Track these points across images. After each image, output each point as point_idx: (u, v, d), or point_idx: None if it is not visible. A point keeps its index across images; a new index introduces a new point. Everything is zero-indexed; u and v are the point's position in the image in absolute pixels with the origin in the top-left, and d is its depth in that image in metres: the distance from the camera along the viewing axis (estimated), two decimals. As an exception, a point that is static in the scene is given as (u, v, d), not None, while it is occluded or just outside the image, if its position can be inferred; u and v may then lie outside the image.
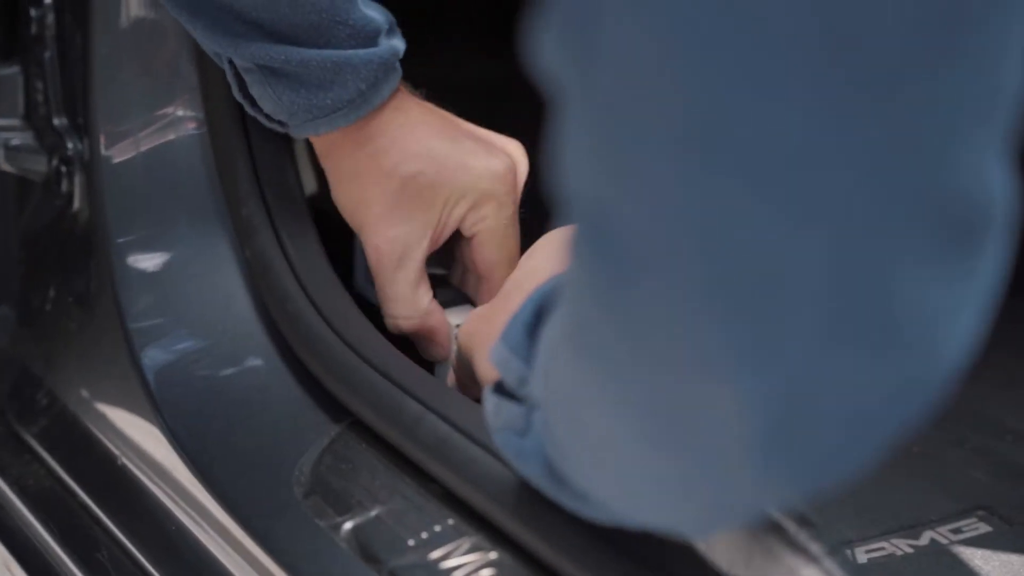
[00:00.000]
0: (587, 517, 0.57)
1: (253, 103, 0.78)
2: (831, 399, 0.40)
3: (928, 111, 0.36)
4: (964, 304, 0.40)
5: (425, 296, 0.80)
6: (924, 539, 0.84)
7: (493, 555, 0.64)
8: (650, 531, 0.59)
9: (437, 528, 0.67)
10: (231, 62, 0.77)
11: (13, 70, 0.94)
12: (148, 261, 0.84)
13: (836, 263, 0.38)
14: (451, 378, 0.80)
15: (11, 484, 0.88)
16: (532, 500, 0.64)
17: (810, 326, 0.39)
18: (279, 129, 0.79)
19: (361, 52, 0.76)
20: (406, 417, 0.70)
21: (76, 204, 0.89)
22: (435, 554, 0.65)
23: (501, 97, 1.34)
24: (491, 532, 0.65)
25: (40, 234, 0.95)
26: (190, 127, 0.86)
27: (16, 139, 0.93)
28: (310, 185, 0.94)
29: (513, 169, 0.80)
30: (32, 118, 0.93)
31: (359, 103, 0.77)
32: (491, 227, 0.80)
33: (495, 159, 0.79)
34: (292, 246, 0.82)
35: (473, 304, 0.82)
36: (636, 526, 0.54)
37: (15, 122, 0.94)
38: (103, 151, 0.86)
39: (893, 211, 0.37)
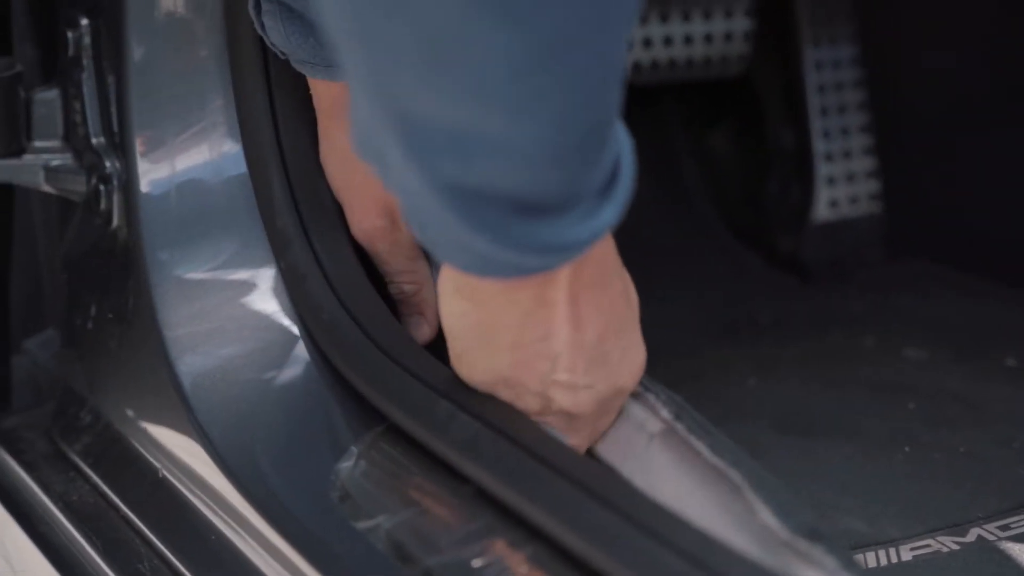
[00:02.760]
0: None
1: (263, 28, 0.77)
2: None
3: None
4: None
5: (424, 267, 0.80)
6: (971, 536, 0.83)
7: (528, 551, 0.64)
8: (679, 517, 0.59)
9: (471, 527, 0.67)
10: None
11: (52, 93, 0.95)
12: (185, 275, 0.85)
13: None
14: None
15: (55, 501, 0.89)
16: (565, 495, 0.64)
17: None
18: (281, 56, 0.79)
19: None
20: (437, 418, 0.70)
21: (115, 222, 0.90)
22: (469, 552, 0.65)
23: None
24: (525, 529, 0.65)
25: (82, 254, 0.96)
26: (224, 140, 0.87)
27: (56, 160, 0.94)
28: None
29: None
30: (71, 139, 0.94)
31: None
32: None
33: None
34: (326, 255, 0.83)
35: None
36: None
37: (55, 143, 0.95)
38: (139, 168, 0.87)
39: None
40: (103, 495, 0.88)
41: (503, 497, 0.66)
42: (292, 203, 0.84)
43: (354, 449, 0.75)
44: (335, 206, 0.87)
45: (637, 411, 0.67)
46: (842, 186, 1.44)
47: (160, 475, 0.84)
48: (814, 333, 1.24)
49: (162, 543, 0.80)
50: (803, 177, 1.44)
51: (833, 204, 1.44)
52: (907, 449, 0.94)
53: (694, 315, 1.30)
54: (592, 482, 0.63)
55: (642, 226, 1.45)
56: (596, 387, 0.66)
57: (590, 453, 0.71)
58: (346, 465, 0.74)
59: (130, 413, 0.89)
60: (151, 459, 0.85)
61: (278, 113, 0.86)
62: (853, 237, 1.43)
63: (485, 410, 0.69)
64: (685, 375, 1.12)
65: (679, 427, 0.64)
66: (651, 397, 0.68)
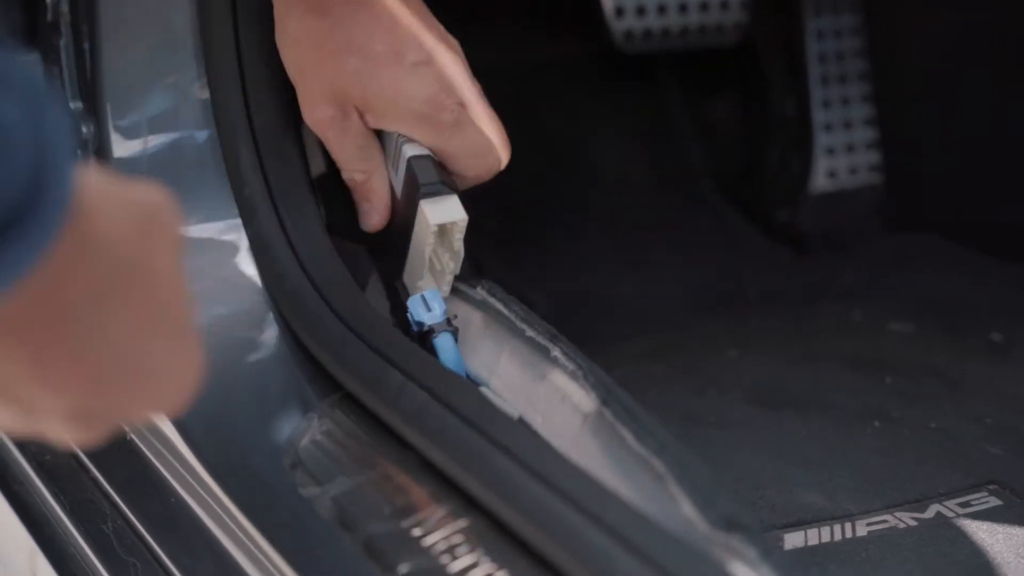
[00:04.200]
0: None
1: None
2: None
3: None
4: None
5: (376, 155, 0.81)
6: (929, 512, 0.83)
7: (464, 522, 0.65)
8: (612, 495, 0.59)
9: (413, 496, 0.67)
10: None
11: (32, 57, 0.96)
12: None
13: None
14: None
15: (29, 460, 0.90)
16: (504, 469, 0.64)
17: None
18: None
19: None
20: (389, 387, 0.71)
21: (90, 187, 0.90)
22: (409, 521, 0.66)
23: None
24: (464, 500, 0.66)
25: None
26: (194, 108, 0.87)
27: (35, 125, 0.95)
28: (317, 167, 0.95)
29: (445, 93, 0.79)
30: (51, 104, 0.95)
31: None
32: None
33: (431, 81, 0.78)
34: (291, 223, 0.83)
35: (457, 192, 0.80)
36: None
37: (35, 108, 0.96)
38: (111, 134, 0.88)
39: None
40: (75, 455, 0.89)
41: (444, 468, 0.67)
42: (260, 171, 0.85)
43: (311, 415, 0.76)
44: (305, 172, 0.87)
45: (573, 391, 0.68)
46: (841, 156, 1.43)
47: (128, 438, 0.85)
48: (803, 307, 1.24)
49: (125, 504, 0.82)
50: (802, 147, 1.43)
51: (832, 175, 1.43)
52: (877, 424, 0.94)
53: (685, 287, 1.30)
54: (530, 458, 0.64)
55: (639, 197, 1.45)
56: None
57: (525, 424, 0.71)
58: (300, 432, 0.75)
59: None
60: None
61: (247, 81, 0.86)
62: (851, 209, 1.42)
63: (434, 382, 0.70)
64: (667, 347, 1.12)
65: (607, 412, 0.65)
66: (583, 378, 0.68)
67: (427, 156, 0.80)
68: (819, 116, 1.42)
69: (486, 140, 0.80)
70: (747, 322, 1.21)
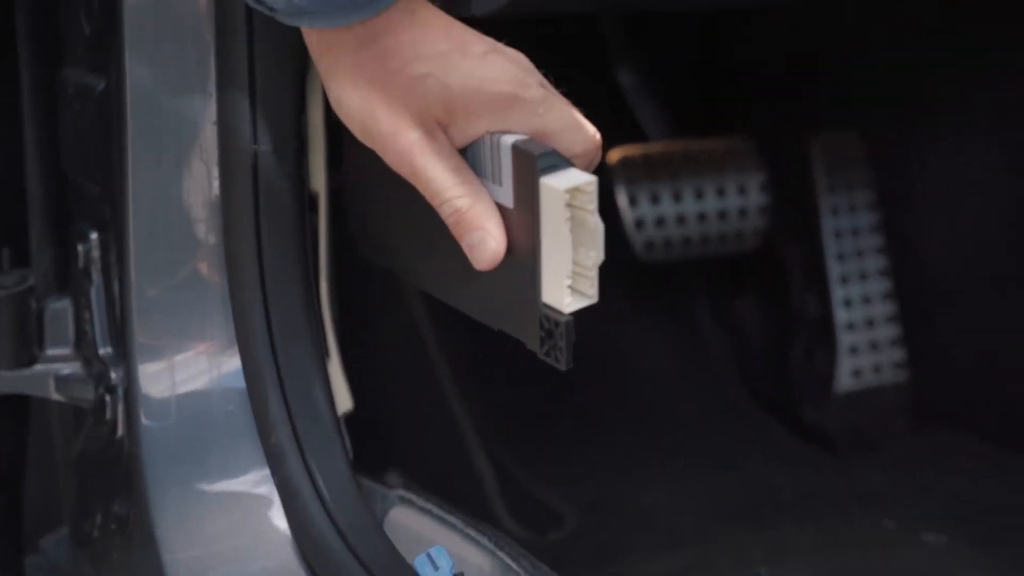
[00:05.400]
0: None
1: None
2: None
3: None
4: None
5: (474, 177, 0.73)
6: None
7: None
8: None
9: None
10: None
11: (65, 302, 0.98)
12: (183, 491, 0.86)
13: None
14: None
15: None
16: None
17: None
18: (266, 12, 0.73)
19: None
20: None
21: (119, 432, 0.92)
22: None
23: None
24: None
25: (90, 460, 0.98)
26: (222, 353, 0.89)
27: (66, 368, 0.97)
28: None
29: (525, 73, 0.73)
30: (82, 348, 0.97)
31: (363, 4, 0.71)
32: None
33: (508, 63, 0.73)
34: (318, 466, 0.84)
35: (572, 164, 0.71)
36: None
37: (67, 351, 0.98)
38: (139, 380, 0.89)
39: None
40: None
41: None
42: (287, 417, 0.86)
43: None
44: (333, 415, 0.88)
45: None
46: (865, 355, 1.43)
47: None
48: (834, 513, 1.23)
49: None
50: (826, 346, 1.44)
51: (856, 373, 1.43)
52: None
53: (714, 494, 1.29)
54: None
55: (667, 398, 1.46)
56: None
57: None
58: None
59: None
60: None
61: (274, 326, 0.88)
62: (878, 407, 1.42)
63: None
64: (697, 564, 1.11)
65: None
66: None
67: (530, 140, 0.71)
68: (841, 315, 1.43)
69: (577, 113, 0.73)
70: (779, 528, 1.20)
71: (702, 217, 1.41)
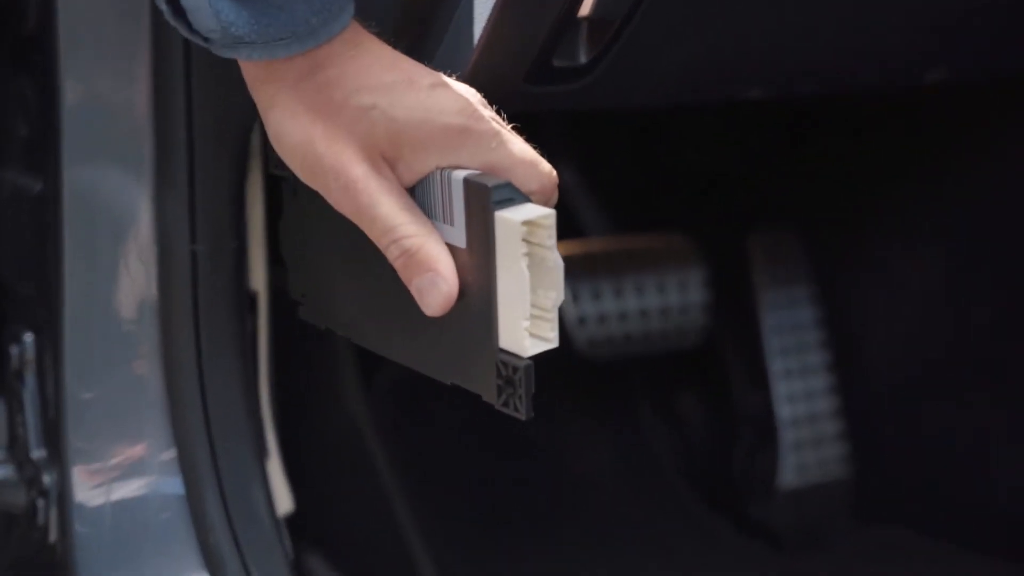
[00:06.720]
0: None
1: (177, 10, 0.67)
2: None
3: None
4: None
5: (422, 216, 0.68)
6: None
7: None
8: None
9: None
10: None
11: (-2, 404, 0.96)
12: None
13: None
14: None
15: None
16: None
17: None
18: (200, 43, 0.69)
19: None
20: None
21: (52, 537, 0.89)
22: None
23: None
24: None
25: (23, 566, 0.96)
26: (159, 455, 0.87)
27: (-2, 472, 0.95)
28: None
29: (476, 105, 0.69)
30: (14, 451, 0.95)
31: (304, 35, 0.68)
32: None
33: (458, 95, 0.69)
34: (258, 571, 0.83)
35: (529, 200, 0.67)
36: None
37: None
38: (74, 484, 0.87)
39: None
40: None
41: None
42: (226, 519, 0.85)
43: None
44: (271, 514, 0.87)
45: None
46: (810, 450, 1.43)
47: None
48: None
49: None
50: (770, 442, 1.44)
51: (801, 469, 1.43)
52: None
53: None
54: None
55: (610, 497, 1.45)
56: None
57: None
58: None
59: None
60: None
61: (212, 426, 0.87)
62: (823, 503, 1.42)
63: None
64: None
65: None
66: None
67: (483, 174, 0.68)
68: (784, 411, 1.43)
69: (530, 148, 0.70)
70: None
71: (644, 314, 1.41)
